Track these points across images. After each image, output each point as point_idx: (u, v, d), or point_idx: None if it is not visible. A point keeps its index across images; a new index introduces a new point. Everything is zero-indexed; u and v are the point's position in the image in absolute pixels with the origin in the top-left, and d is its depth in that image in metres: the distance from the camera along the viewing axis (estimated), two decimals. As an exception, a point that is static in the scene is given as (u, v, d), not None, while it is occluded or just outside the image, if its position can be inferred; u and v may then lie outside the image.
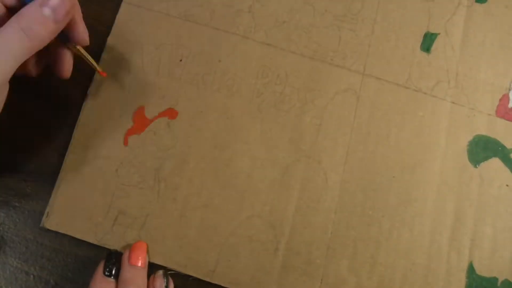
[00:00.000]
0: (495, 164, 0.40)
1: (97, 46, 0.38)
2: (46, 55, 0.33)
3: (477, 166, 0.40)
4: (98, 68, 0.36)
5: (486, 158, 0.40)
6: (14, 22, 0.27)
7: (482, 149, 0.40)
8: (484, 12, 0.43)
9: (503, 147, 0.41)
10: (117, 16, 0.40)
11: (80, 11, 0.31)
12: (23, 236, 0.35)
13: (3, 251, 0.35)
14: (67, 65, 0.33)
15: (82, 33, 0.32)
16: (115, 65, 0.39)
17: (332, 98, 0.40)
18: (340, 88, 0.40)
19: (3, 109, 0.29)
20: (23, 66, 0.30)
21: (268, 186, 0.37)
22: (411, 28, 0.42)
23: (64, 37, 0.32)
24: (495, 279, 0.37)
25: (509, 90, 0.42)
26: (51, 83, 0.37)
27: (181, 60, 0.39)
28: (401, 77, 0.41)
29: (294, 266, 0.37)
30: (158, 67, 0.39)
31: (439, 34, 0.43)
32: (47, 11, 0.28)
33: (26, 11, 0.28)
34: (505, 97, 0.42)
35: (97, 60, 0.38)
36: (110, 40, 0.39)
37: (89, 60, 0.35)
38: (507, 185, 0.40)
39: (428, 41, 0.42)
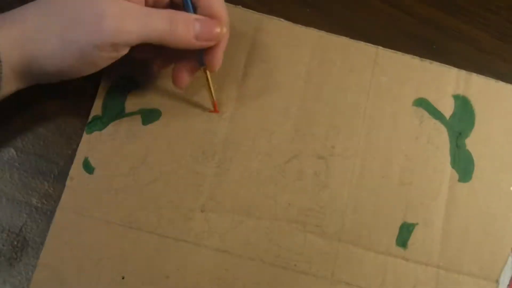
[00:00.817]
0: None
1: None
2: (176, 60, 0.35)
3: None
4: (213, 98, 0.37)
5: None
6: (167, 13, 0.31)
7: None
8: (467, 193, 0.39)
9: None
10: (51, 227, 0.35)
11: (226, 41, 0.34)
12: (45, 237, 0.35)
13: (25, 252, 0.35)
14: (186, 79, 0.35)
15: (216, 60, 0.34)
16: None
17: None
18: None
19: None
20: (147, 52, 0.34)
21: None
22: (385, 219, 0.38)
23: (199, 55, 0.34)
24: None
25: (498, 285, 0.37)
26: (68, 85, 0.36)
27: (123, 278, 0.35)
28: (374, 281, 0.37)
29: None
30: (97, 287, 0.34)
31: (417, 224, 0.38)
32: (197, 26, 0.31)
33: (182, 14, 0.31)
34: (492, 295, 0.37)
35: None
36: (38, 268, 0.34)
37: (209, 88, 0.36)
38: None
39: (404, 234, 0.38)
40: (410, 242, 0.38)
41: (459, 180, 0.39)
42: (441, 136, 0.40)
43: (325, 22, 0.41)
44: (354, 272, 0.37)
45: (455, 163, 0.39)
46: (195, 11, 0.32)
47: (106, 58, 0.30)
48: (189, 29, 0.31)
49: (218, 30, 0.32)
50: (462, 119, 0.40)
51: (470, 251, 0.38)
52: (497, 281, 0.38)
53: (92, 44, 0.29)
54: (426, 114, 0.40)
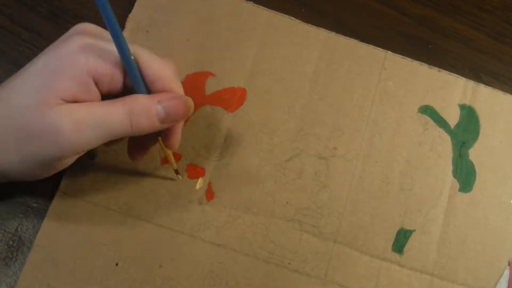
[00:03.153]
0: None
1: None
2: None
3: None
4: (174, 167, 0.35)
5: None
6: (125, 104, 0.28)
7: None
8: (468, 203, 0.39)
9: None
10: (49, 209, 0.35)
11: (182, 122, 0.31)
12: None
13: (21, 252, 0.34)
14: (144, 153, 0.33)
15: (175, 139, 0.32)
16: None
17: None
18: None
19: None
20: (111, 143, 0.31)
21: None
22: (383, 224, 0.38)
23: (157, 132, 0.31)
24: None
25: (490, 299, 0.37)
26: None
27: (117, 265, 0.35)
28: (367, 284, 0.36)
29: None
30: (91, 272, 0.34)
31: (414, 231, 0.38)
32: (160, 110, 0.28)
33: (141, 101, 0.28)
34: (484, 309, 0.37)
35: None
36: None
37: (169, 160, 0.34)
38: None
39: (401, 240, 0.38)
40: (406, 248, 0.37)
41: (460, 190, 0.39)
42: (445, 145, 0.40)
43: (319, 22, 0.41)
44: (347, 274, 0.36)
45: (456, 173, 0.39)
46: (149, 89, 0.29)
47: (68, 162, 0.29)
48: (152, 116, 0.28)
49: (186, 105, 0.29)
50: (466, 129, 0.40)
51: (465, 261, 0.38)
52: (490, 295, 0.37)
53: (51, 157, 0.28)
54: (430, 121, 0.40)
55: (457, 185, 0.39)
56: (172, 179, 0.36)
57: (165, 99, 0.28)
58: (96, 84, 0.27)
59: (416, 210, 0.38)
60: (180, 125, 0.32)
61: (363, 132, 0.39)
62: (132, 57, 0.28)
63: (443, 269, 0.37)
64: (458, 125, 0.40)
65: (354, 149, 0.39)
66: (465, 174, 0.39)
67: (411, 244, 0.38)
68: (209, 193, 0.37)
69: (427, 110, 0.40)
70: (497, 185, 0.39)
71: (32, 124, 0.26)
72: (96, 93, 0.28)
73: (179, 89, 0.30)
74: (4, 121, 0.27)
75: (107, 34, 0.27)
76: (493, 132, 0.40)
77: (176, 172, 0.35)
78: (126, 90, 0.29)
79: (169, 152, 0.33)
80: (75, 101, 0.27)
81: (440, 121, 0.40)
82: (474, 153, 0.40)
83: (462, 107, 0.40)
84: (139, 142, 0.33)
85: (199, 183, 0.37)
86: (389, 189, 0.38)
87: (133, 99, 0.28)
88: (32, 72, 0.27)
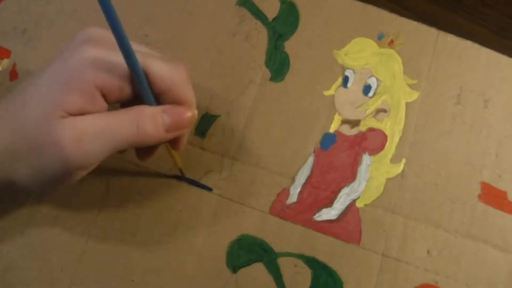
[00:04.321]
0: (257, 270, 0.36)
1: None
2: None
3: (235, 271, 0.36)
4: (179, 165, 0.35)
5: (248, 263, 0.36)
6: (131, 114, 0.27)
7: (246, 252, 0.36)
8: (278, 92, 0.39)
9: (271, 250, 0.36)
10: None
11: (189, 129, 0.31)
12: None
13: None
14: (151, 155, 0.33)
15: (182, 142, 0.32)
16: None
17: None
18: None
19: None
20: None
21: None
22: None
23: None
24: None
25: (292, 183, 0.37)
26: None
27: None
28: (165, 166, 0.37)
29: None
30: None
31: (219, 116, 0.38)
32: (166, 119, 0.28)
33: (147, 110, 0.28)
34: (284, 192, 0.37)
35: None
36: None
37: (174, 159, 0.34)
38: (266, 296, 0.36)
39: (205, 124, 0.38)
40: (209, 132, 0.38)
41: (271, 79, 0.39)
42: (260, 36, 0.40)
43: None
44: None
45: (269, 63, 0.39)
46: (158, 99, 0.29)
47: (78, 175, 0.28)
48: (158, 125, 0.28)
49: (189, 115, 0.29)
50: (286, 23, 0.40)
51: (269, 148, 0.38)
52: (293, 179, 0.38)
53: (58, 171, 0.27)
54: (248, 14, 0.40)
55: (269, 74, 0.39)
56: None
57: (171, 108, 0.29)
58: (104, 96, 0.27)
59: (223, 97, 0.38)
60: (188, 131, 0.31)
61: (176, 23, 0.39)
62: (141, 68, 0.27)
63: (245, 154, 0.38)
64: (277, 19, 0.40)
65: (165, 38, 0.39)
66: (278, 65, 0.39)
67: (215, 129, 0.38)
68: (13, 74, 0.38)
69: (246, 3, 0.40)
70: (311, 76, 0.39)
71: (40, 137, 0.26)
72: (103, 105, 0.27)
73: (189, 96, 0.29)
74: (17, 134, 0.27)
75: (112, 36, 0.26)
76: (313, 26, 0.40)
77: (181, 172, 0.36)
78: (136, 98, 0.29)
79: (176, 154, 0.33)
80: (81, 114, 0.27)
81: (258, 14, 0.40)
82: (290, 46, 0.40)
83: (283, 1, 0.41)
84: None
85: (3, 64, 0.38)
86: (198, 76, 0.39)
87: (139, 109, 0.28)
88: (40, 84, 0.27)
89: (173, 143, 0.32)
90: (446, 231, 0.37)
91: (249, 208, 0.37)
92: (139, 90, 0.28)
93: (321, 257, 0.36)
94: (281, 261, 0.36)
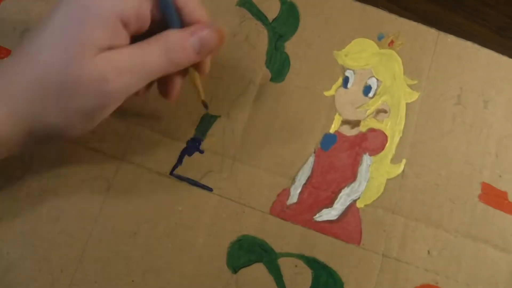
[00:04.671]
0: (258, 270, 0.36)
1: None
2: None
3: (236, 271, 0.36)
4: (202, 97, 0.35)
5: (248, 263, 0.36)
6: (160, 42, 0.28)
7: (246, 252, 0.36)
8: (278, 93, 0.39)
9: (271, 251, 0.36)
10: None
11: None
12: None
13: None
14: (177, 88, 0.32)
15: (207, 63, 0.32)
16: None
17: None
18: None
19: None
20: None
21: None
22: (187, 108, 0.38)
23: None
24: None
25: (292, 184, 0.37)
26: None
27: None
28: (164, 166, 0.37)
29: None
30: None
31: (219, 116, 0.38)
32: (195, 42, 0.28)
33: (175, 36, 0.28)
34: (284, 192, 0.37)
35: None
36: None
37: (199, 90, 0.34)
38: (268, 296, 0.36)
39: (205, 124, 0.38)
40: (210, 132, 0.38)
41: (271, 80, 0.39)
42: (261, 37, 0.40)
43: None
44: (147, 154, 0.37)
45: (270, 64, 0.39)
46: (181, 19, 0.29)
47: (110, 111, 0.29)
48: (188, 50, 0.28)
49: (219, 34, 0.29)
50: (286, 23, 0.40)
51: (270, 148, 0.38)
52: (293, 179, 0.38)
53: (97, 107, 0.27)
54: (248, 14, 0.40)
55: (269, 75, 0.39)
56: None
57: (198, 30, 0.29)
58: (125, 26, 0.27)
59: (224, 97, 0.38)
60: (215, 52, 0.31)
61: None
62: None
63: (245, 154, 0.38)
64: (277, 19, 0.40)
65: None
66: (278, 65, 0.39)
67: (216, 129, 0.38)
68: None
69: (246, 4, 0.40)
70: (311, 77, 0.39)
71: (73, 79, 0.26)
72: (126, 36, 0.27)
73: (206, 16, 0.29)
74: (41, 81, 0.26)
75: None
76: (313, 26, 0.40)
77: (205, 105, 0.36)
78: (154, 26, 0.29)
79: (199, 81, 0.34)
80: (109, 48, 0.26)
81: (258, 14, 0.40)
82: (291, 46, 0.40)
83: (284, 1, 0.41)
84: (170, 78, 0.32)
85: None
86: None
87: (167, 36, 0.28)
88: (57, 25, 0.26)
89: (198, 66, 0.32)
90: (446, 231, 0.37)
91: (249, 208, 0.37)
92: (165, 15, 0.28)
93: (322, 258, 0.36)
94: (282, 261, 0.36)
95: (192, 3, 0.29)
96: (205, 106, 0.36)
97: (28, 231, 0.35)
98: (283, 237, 0.37)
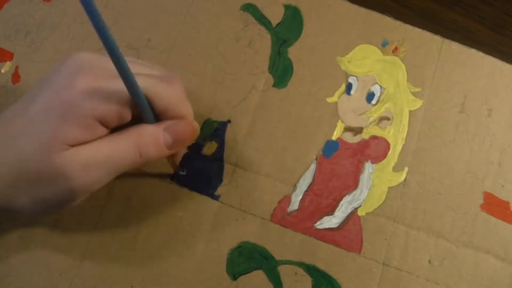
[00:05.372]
0: (257, 278, 0.36)
1: None
2: None
3: (235, 278, 0.36)
4: (175, 170, 0.36)
5: (248, 270, 0.36)
6: (132, 137, 0.28)
7: (246, 259, 0.36)
8: (281, 99, 0.39)
9: (271, 258, 0.36)
10: None
11: None
12: None
13: None
14: (178, 157, 0.34)
15: (179, 154, 0.34)
16: None
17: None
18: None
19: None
20: None
21: None
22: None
23: None
24: None
25: (293, 191, 0.37)
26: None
27: None
28: (165, 172, 0.37)
29: None
30: None
31: (221, 122, 0.38)
32: (168, 138, 0.29)
33: (148, 131, 0.28)
34: (285, 199, 0.37)
35: None
36: None
37: (174, 165, 0.35)
38: (267, 303, 0.35)
39: (206, 130, 0.38)
40: (211, 138, 0.38)
41: (274, 86, 0.39)
42: (264, 42, 0.40)
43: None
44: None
45: (273, 69, 0.39)
46: (157, 116, 0.29)
47: (80, 200, 0.29)
48: (160, 145, 0.28)
49: (189, 130, 0.30)
50: (289, 28, 0.40)
51: (271, 154, 0.38)
52: (294, 186, 0.37)
53: (63, 200, 0.28)
54: (252, 19, 0.40)
55: (272, 80, 0.39)
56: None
57: (171, 125, 0.29)
58: (103, 123, 0.27)
59: (226, 103, 0.38)
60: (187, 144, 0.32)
61: (179, 27, 0.39)
62: (142, 93, 0.27)
63: (246, 161, 0.37)
64: (280, 24, 0.40)
65: (168, 42, 0.39)
66: (281, 71, 0.39)
67: (217, 135, 0.38)
68: (16, 77, 0.37)
69: (250, 8, 0.40)
70: (314, 83, 0.39)
71: (41, 170, 0.26)
72: (102, 132, 0.27)
73: (187, 111, 0.29)
74: (15, 165, 0.27)
75: (105, 62, 0.26)
76: (316, 32, 0.40)
77: (175, 169, 0.36)
78: (135, 119, 0.29)
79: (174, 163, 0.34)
80: (80, 143, 0.27)
81: (262, 19, 0.40)
82: (294, 52, 0.40)
83: (287, 6, 0.40)
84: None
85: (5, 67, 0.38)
86: (201, 80, 0.38)
87: (140, 131, 0.28)
88: (33, 116, 0.27)
89: (170, 156, 0.32)
90: (447, 240, 0.37)
91: (250, 215, 0.37)
92: (140, 113, 0.28)
93: (322, 266, 0.36)
94: (282, 269, 0.36)
95: (170, 99, 0.28)
96: (177, 172, 0.36)
97: (27, 236, 0.35)
98: (284, 244, 0.36)
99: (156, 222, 0.36)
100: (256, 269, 0.36)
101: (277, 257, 0.36)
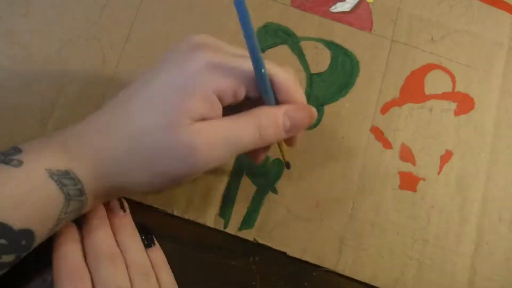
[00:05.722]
0: (283, 51, 0.41)
1: None
2: None
3: (263, 51, 0.40)
4: (285, 159, 0.36)
5: (274, 45, 0.41)
6: (253, 118, 0.28)
7: (272, 36, 0.41)
8: None
9: (293, 35, 0.41)
10: None
11: None
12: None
13: None
14: (264, 154, 0.33)
15: (296, 138, 0.32)
16: None
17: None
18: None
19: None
20: None
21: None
22: None
23: None
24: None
25: None
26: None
27: None
28: None
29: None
30: None
31: None
32: (287, 121, 0.29)
33: (268, 113, 0.29)
34: (302, -10, 0.42)
35: None
36: None
37: (283, 153, 0.35)
38: (292, 71, 0.40)
39: None
40: None
41: None
42: None
43: None
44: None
45: None
46: (275, 96, 0.29)
47: (196, 176, 0.29)
48: (279, 128, 0.29)
49: (310, 114, 0.30)
50: None
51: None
52: None
53: (183, 175, 0.28)
54: None
55: None
56: None
57: (291, 110, 0.29)
58: (220, 99, 0.28)
59: None
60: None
61: None
62: (267, 73, 0.27)
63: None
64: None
65: None
66: None
67: None
68: None
69: None
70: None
71: (164, 144, 0.27)
72: (219, 108, 0.28)
73: (303, 97, 0.30)
74: (132, 142, 0.27)
75: (224, 46, 0.28)
76: None
77: (287, 164, 0.37)
78: (247, 100, 0.29)
79: (284, 148, 0.34)
80: (202, 119, 0.27)
81: None
82: None
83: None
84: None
85: None
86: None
87: (261, 112, 0.28)
88: (155, 91, 0.27)
89: (287, 139, 0.32)
90: (446, 22, 0.42)
91: (272, 1, 0.41)
92: (261, 92, 0.28)
93: (339, 41, 0.41)
94: (303, 44, 0.41)
95: (289, 82, 0.29)
96: (287, 166, 0.37)
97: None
98: (304, 24, 0.41)
99: (190, 7, 0.41)
100: (281, 44, 0.41)
101: (299, 34, 0.41)
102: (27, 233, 0.27)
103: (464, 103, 0.41)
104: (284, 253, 0.37)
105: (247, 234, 0.37)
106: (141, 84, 0.28)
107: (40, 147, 0.28)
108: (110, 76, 0.39)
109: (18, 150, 0.28)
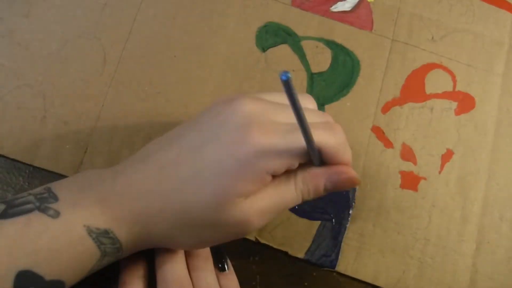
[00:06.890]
0: (283, 50, 0.41)
1: None
2: None
3: (264, 50, 0.40)
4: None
5: (275, 44, 0.41)
6: (297, 184, 0.29)
7: (272, 35, 0.41)
8: None
9: (294, 34, 0.41)
10: None
11: None
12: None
13: None
14: None
15: None
16: None
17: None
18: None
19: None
20: None
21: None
22: None
23: None
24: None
25: (311, -18, 0.42)
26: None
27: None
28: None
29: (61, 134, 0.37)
30: None
31: None
32: (328, 185, 0.30)
33: (312, 180, 0.29)
34: (304, -11, 0.42)
35: None
36: None
37: None
38: (293, 70, 0.40)
39: None
40: None
41: None
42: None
43: None
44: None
45: None
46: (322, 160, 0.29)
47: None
48: (320, 191, 0.30)
49: (351, 181, 0.30)
50: None
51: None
52: (310, -22, 0.42)
53: (230, 238, 0.30)
54: None
55: None
56: None
57: (334, 175, 0.29)
58: (273, 174, 0.28)
59: None
60: None
61: None
62: (315, 144, 0.27)
63: None
64: None
65: None
66: None
67: None
68: None
69: None
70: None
71: (215, 222, 0.28)
72: (270, 180, 0.28)
73: (348, 158, 0.30)
74: (181, 212, 0.28)
75: (271, 112, 0.28)
76: None
77: None
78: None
79: None
80: (252, 194, 0.28)
81: None
82: None
83: None
84: None
85: None
86: None
87: (305, 178, 0.29)
88: (206, 168, 0.27)
89: None
90: (447, 21, 0.42)
91: (273, 1, 0.42)
92: (309, 159, 0.29)
93: (339, 41, 0.41)
94: (304, 43, 0.41)
95: (337, 150, 0.29)
96: None
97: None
98: (304, 24, 0.41)
99: (191, 2, 0.41)
100: (282, 43, 0.41)
101: (300, 34, 0.41)
102: (58, 284, 0.27)
103: (464, 102, 0.41)
104: (284, 253, 0.37)
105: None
106: (188, 150, 0.28)
107: (78, 198, 0.28)
108: (111, 76, 0.39)
109: (54, 198, 0.28)
